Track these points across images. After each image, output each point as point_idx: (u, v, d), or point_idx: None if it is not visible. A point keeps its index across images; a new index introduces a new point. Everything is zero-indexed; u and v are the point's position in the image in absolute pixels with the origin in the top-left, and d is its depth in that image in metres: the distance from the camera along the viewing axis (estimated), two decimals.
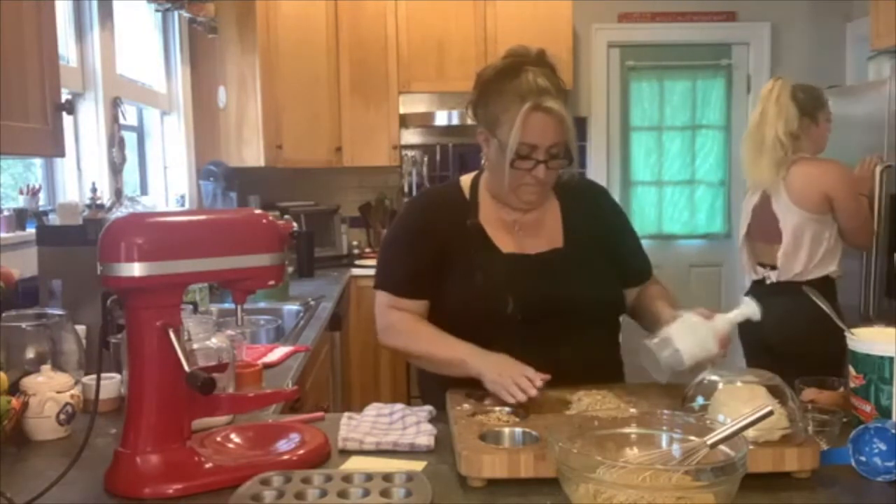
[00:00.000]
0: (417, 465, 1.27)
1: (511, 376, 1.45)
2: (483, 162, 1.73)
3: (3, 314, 1.69)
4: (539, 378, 1.44)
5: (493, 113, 1.62)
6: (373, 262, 4.37)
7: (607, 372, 1.66)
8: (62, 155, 1.93)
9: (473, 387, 1.52)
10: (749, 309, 1.55)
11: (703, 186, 4.95)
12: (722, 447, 1.07)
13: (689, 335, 1.49)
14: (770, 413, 1.11)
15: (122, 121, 3.04)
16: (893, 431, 1.20)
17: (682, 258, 4.88)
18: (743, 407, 1.17)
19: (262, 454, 1.31)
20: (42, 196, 2.66)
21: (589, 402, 1.45)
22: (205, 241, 1.26)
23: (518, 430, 1.32)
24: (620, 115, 4.92)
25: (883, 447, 1.20)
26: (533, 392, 1.42)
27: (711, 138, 4.93)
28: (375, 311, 1.74)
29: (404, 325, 1.68)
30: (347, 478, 1.18)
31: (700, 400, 1.31)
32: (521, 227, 1.72)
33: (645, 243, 1.89)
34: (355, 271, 4.28)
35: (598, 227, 1.75)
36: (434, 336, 1.64)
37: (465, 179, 1.79)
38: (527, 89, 1.57)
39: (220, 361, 1.52)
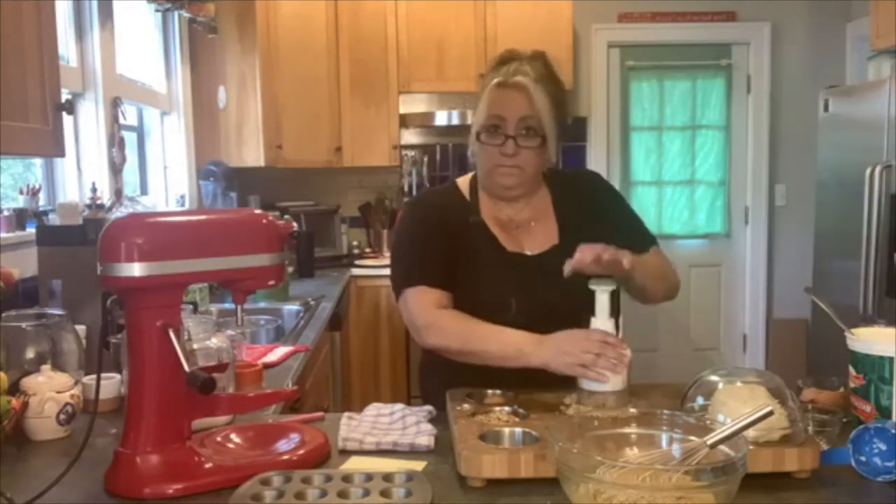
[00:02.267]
0: (417, 465, 1.27)
1: (584, 353, 1.38)
2: (470, 158, 1.75)
3: (3, 314, 1.69)
4: (621, 348, 1.39)
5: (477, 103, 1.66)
6: (373, 261, 4.42)
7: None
8: (62, 155, 1.93)
9: (473, 387, 1.52)
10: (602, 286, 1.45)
11: (703, 186, 4.95)
12: (722, 447, 1.07)
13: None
14: (770, 413, 1.11)
15: (122, 121, 3.04)
16: (893, 431, 1.20)
17: (682, 258, 4.88)
18: (743, 407, 1.17)
19: (262, 454, 1.31)
20: (42, 196, 2.66)
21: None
22: (205, 241, 1.26)
23: (518, 430, 1.32)
24: (620, 115, 4.93)
25: (883, 447, 1.20)
26: (622, 369, 1.36)
27: (711, 138, 4.93)
28: (411, 311, 1.63)
29: (454, 323, 1.58)
30: (347, 478, 1.18)
31: (700, 400, 1.31)
32: (517, 226, 1.72)
33: None
34: (355, 271, 4.28)
35: (592, 214, 1.74)
36: (487, 331, 1.54)
37: (462, 181, 1.80)
38: (504, 72, 1.60)
39: (220, 361, 1.52)
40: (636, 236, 1.78)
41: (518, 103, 1.59)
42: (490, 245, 1.69)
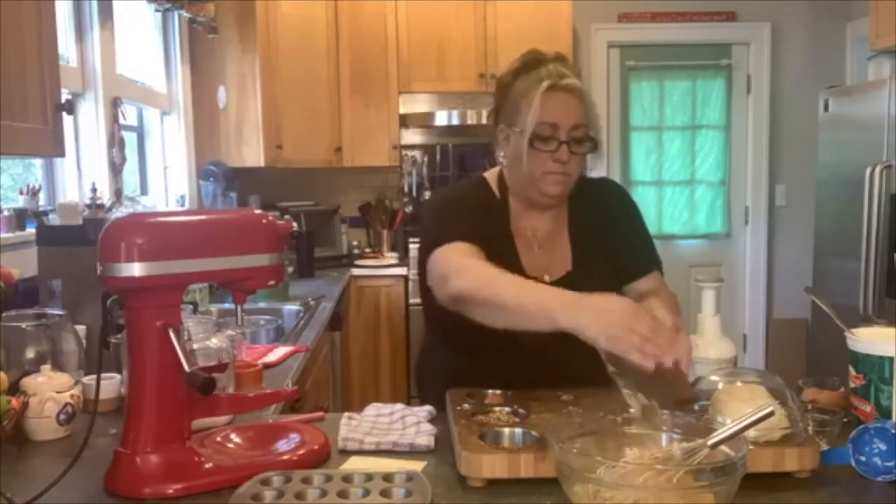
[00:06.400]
0: (417, 465, 1.27)
1: (635, 333, 1.13)
2: (501, 160, 1.66)
3: (3, 314, 1.69)
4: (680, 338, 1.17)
5: (511, 104, 1.58)
6: (373, 261, 4.42)
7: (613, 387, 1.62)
8: (62, 155, 1.93)
9: (474, 387, 1.52)
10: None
11: (703, 186, 4.96)
12: (722, 447, 1.07)
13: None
14: (771, 413, 1.11)
15: (122, 121, 3.04)
16: (893, 431, 1.20)
17: (682, 258, 4.89)
18: (743, 407, 1.16)
19: (262, 454, 1.31)
20: (42, 196, 2.66)
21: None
22: (205, 241, 1.26)
23: (518, 430, 1.32)
24: (620, 115, 4.93)
25: (883, 447, 1.20)
26: (669, 361, 1.12)
27: (711, 138, 4.94)
28: (441, 261, 1.49)
29: (485, 269, 1.41)
30: (347, 478, 1.18)
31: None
32: (540, 244, 1.67)
33: None
34: (355, 271, 4.29)
35: (604, 231, 1.69)
36: (517, 282, 1.36)
37: (491, 177, 1.71)
38: (546, 74, 1.54)
39: (220, 361, 1.52)
40: (639, 257, 1.72)
41: (571, 109, 1.53)
42: (513, 266, 1.58)
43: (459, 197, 1.70)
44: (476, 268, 1.42)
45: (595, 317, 1.18)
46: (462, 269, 1.43)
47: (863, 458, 1.22)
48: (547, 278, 1.63)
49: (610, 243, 1.68)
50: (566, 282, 1.61)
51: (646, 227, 1.78)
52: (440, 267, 1.49)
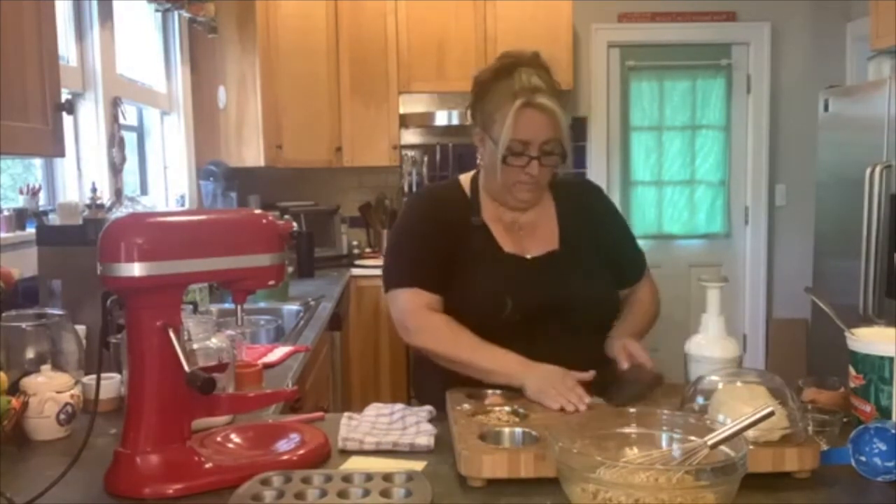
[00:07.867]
0: (417, 465, 1.27)
1: (556, 389, 1.44)
2: (478, 162, 1.75)
3: (3, 314, 1.69)
4: (584, 398, 1.43)
5: (487, 112, 1.65)
6: (373, 261, 4.42)
7: (604, 370, 1.65)
8: (62, 155, 1.93)
9: (474, 387, 1.52)
10: None
11: (703, 186, 4.95)
12: (722, 447, 1.07)
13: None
14: (771, 413, 1.11)
15: (122, 121, 3.04)
16: (893, 431, 1.20)
17: (682, 258, 4.89)
18: (743, 407, 1.16)
19: (262, 454, 1.31)
20: (42, 196, 2.66)
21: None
22: (205, 241, 1.26)
23: (518, 430, 1.32)
24: (620, 115, 4.93)
25: (883, 447, 1.20)
26: (582, 408, 1.40)
27: (711, 138, 4.93)
28: (400, 310, 1.68)
29: (445, 329, 1.63)
30: (347, 478, 1.18)
31: (700, 400, 1.31)
32: (520, 228, 1.73)
33: (645, 243, 1.90)
34: (355, 271, 4.29)
35: (593, 227, 1.77)
36: (476, 344, 1.59)
37: (465, 178, 1.80)
38: (519, 87, 1.59)
39: (220, 361, 1.52)
40: (632, 263, 1.84)
41: (542, 127, 1.60)
42: (488, 246, 1.70)
43: (427, 212, 1.77)
44: (436, 329, 1.63)
45: (534, 379, 1.48)
46: (422, 328, 1.65)
47: (863, 458, 1.22)
48: (528, 256, 1.71)
49: (600, 243, 1.76)
50: (550, 258, 1.71)
51: (628, 226, 1.89)
52: (401, 316, 1.68)
